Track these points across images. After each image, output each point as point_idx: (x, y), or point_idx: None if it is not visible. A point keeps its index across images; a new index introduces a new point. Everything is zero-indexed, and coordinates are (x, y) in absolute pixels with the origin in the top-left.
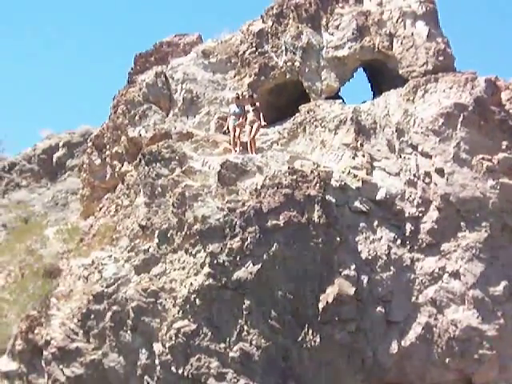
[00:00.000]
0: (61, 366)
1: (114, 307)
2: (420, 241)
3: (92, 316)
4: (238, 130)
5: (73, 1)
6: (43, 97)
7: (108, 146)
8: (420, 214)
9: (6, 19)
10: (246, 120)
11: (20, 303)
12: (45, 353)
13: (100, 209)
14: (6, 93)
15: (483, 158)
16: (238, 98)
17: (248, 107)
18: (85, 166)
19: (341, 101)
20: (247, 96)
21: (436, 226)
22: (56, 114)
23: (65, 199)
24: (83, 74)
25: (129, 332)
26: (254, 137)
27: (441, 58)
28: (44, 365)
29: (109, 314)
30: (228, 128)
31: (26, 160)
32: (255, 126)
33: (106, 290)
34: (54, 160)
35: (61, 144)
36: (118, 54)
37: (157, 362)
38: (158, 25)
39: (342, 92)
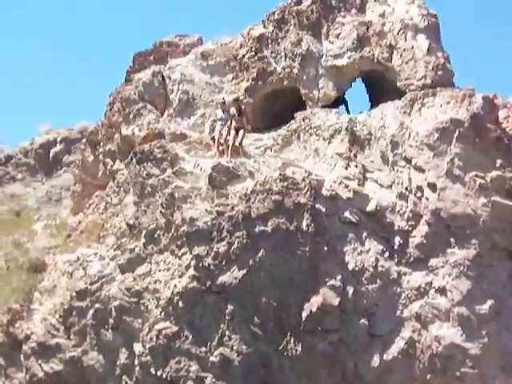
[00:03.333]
0: (39, 362)
1: (97, 305)
2: (408, 255)
3: (74, 313)
4: (224, 134)
5: None
6: (46, 92)
7: (102, 143)
8: (410, 228)
9: (9, 16)
10: (231, 124)
11: (3, 296)
12: (24, 347)
13: (89, 206)
14: (7, 86)
15: (476, 175)
16: (223, 103)
17: (233, 111)
18: (78, 162)
19: (337, 110)
20: (232, 100)
21: (425, 241)
22: (57, 110)
23: (59, 195)
24: (87, 71)
25: (110, 331)
26: (240, 142)
27: (440, 73)
28: (23, 359)
29: (91, 311)
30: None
31: (22, 154)
32: (241, 131)
33: (89, 288)
34: (51, 155)
35: (58, 139)
36: (123, 52)
37: (136, 362)
38: (161, 24)
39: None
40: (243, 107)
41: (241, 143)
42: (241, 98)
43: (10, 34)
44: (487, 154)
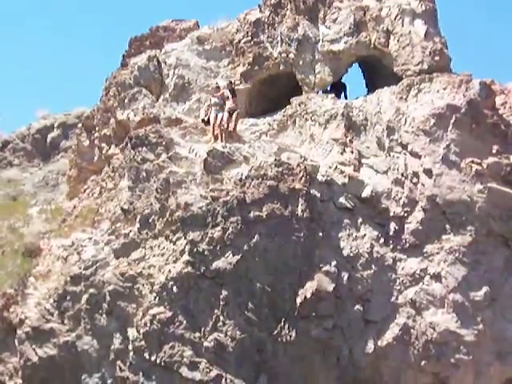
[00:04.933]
0: (34, 346)
1: (91, 290)
2: (403, 241)
3: (68, 297)
4: (219, 119)
5: None
6: (43, 77)
7: (97, 128)
8: (405, 214)
9: (8, 3)
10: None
11: None
12: (18, 332)
13: (84, 190)
14: (3, 71)
15: (473, 162)
16: (217, 87)
17: (227, 93)
18: (73, 147)
19: (333, 95)
20: (225, 84)
21: (420, 227)
22: (54, 95)
23: (55, 180)
24: (85, 56)
25: (104, 316)
26: (235, 126)
27: (437, 58)
28: (17, 343)
29: (85, 296)
30: (208, 118)
31: (19, 139)
32: (234, 114)
33: (83, 272)
34: (48, 140)
35: (56, 125)
36: (121, 37)
37: (130, 347)
38: (157, 9)
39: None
40: (236, 91)
41: (235, 127)
42: (235, 81)
43: (8, 18)
44: (484, 140)
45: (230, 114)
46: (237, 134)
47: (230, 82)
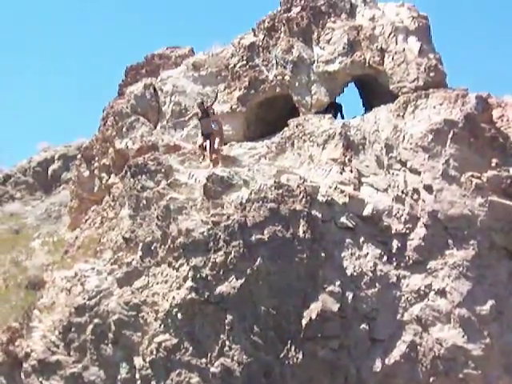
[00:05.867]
0: (40, 379)
1: (96, 320)
2: (406, 258)
3: (73, 329)
4: (207, 142)
5: (72, 14)
6: (43, 111)
7: (97, 158)
8: (407, 231)
9: (7, 31)
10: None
11: (2, 315)
12: (25, 365)
13: (86, 221)
14: (3, 106)
15: (472, 176)
16: (196, 113)
17: (199, 115)
18: (73, 178)
19: (330, 115)
20: (204, 106)
21: (423, 243)
22: (54, 128)
23: (58, 212)
24: (83, 88)
25: (110, 345)
26: (214, 150)
27: (432, 74)
28: (23, 377)
29: (90, 326)
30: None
31: (21, 172)
32: (212, 137)
33: (87, 303)
34: (49, 173)
35: (56, 157)
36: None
37: (137, 376)
38: (152, 37)
39: None
40: (212, 110)
41: (216, 150)
42: (205, 100)
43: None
44: (483, 153)
45: (207, 138)
46: (222, 156)
47: (202, 102)
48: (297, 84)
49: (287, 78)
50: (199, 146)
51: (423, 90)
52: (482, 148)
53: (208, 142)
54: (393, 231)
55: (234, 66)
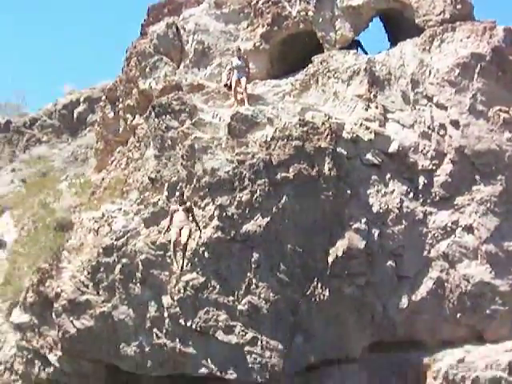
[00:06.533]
0: (71, 318)
1: (124, 260)
2: (433, 194)
3: (102, 269)
4: (243, 83)
5: None
6: (68, 53)
7: (121, 99)
8: (434, 167)
9: None
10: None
11: (32, 256)
12: (55, 305)
13: (112, 162)
14: (29, 49)
15: (500, 110)
16: (239, 50)
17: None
18: (98, 119)
19: (355, 51)
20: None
21: (450, 180)
22: (80, 70)
23: (84, 154)
24: (108, 28)
25: (138, 285)
26: (245, 89)
27: (459, 7)
28: (55, 317)
29: (118, 266)
30: (230, 82)
31: (47, 115)
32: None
33: (115, 243)
34: (75, 115)
35: (82, 99)
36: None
37: (165, 314)
38: None
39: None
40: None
41: (245, 89)
42: (255, 43)
43: None
44: (510, 87)
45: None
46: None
47: (239, 49)
48: (320, 20)
49: (310, 13)
50: (225, 85)
51: (450, 23)
52: (510, 82)
53: (233, 80)
54: (419, 167)
55: (257, 2)
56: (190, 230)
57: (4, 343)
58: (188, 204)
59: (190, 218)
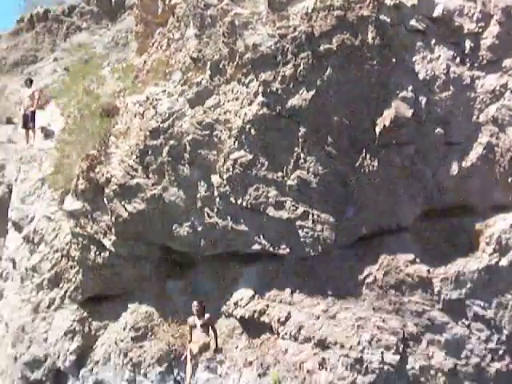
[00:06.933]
0: (122, 203)
1: (171, 142)
2: (480, 58)
3: (149, 152)
4: None
5: None
6: None
7: None
8: (480, 30)
9: None
10: None
11: (80, 143)
12: (106, 190)
13: (153, 44)
14: None
15: None
16: None
17: None
18: (137, 2)
19: None
20: None
21: (497, 42)
22: None
23: (125, 39)
24: None
25: (187, 166)
26: None
27: None
28: (106, 202)
29: (166, 148)
30: None
31: (85, 2)
32: None
33: (161, 125)
34: (113, 0)
35: None
36: None
37: (216, 193)
38: None
39: None
40: None
41: None
42: None
43: None
44: None
45: None
46: None
47: None
48: None
49: None
50: None
51: None
52: None
53: None
54: (465, 31)
55: None
56: (209, 344)
57: (59, 231)
58: (206, 317)
59: (211, 331)
